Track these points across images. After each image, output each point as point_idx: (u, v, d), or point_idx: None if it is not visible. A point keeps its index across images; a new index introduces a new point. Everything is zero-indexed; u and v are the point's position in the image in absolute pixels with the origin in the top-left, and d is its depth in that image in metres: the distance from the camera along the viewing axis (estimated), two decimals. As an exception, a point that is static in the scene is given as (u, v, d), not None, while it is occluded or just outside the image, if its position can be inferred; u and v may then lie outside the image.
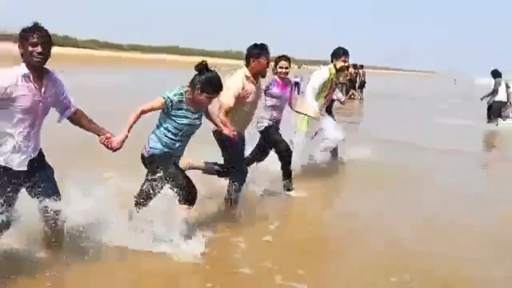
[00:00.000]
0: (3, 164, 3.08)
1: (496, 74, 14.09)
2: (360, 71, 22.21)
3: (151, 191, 3.70)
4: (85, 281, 3.19)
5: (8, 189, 3.09)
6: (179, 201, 3.66)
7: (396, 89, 34.04)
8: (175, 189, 3.64)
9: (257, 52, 4.63)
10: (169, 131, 3.71)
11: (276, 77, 5.43)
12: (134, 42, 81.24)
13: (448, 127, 13.12)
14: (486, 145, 11.96)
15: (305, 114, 5.78)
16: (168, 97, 3.65)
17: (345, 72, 22.34)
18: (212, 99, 3.83)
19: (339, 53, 6.22)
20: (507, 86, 13.88)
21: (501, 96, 13.85)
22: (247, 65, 4.69)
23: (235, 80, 4.61)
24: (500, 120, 13.94)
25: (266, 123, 5.34)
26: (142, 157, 3.77)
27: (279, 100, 5.37)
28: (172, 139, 3.72)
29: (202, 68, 3.73)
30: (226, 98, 4.42)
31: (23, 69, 3.05)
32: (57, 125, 3.43)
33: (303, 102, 6.04)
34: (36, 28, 3.04)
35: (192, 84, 3.72)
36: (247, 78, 4.64)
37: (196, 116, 3.78)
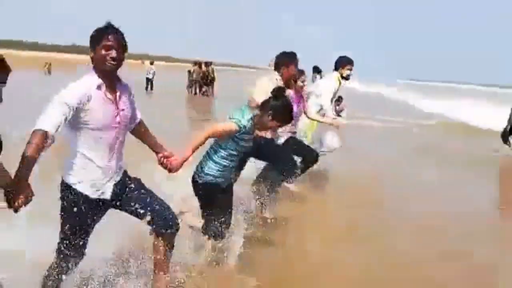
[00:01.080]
0: (81, 191, 2.66)
1: (314, 69, 15.85)
2: (210, 68, 22.59)
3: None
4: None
5: (88, 219, 2.72)
6: (204, 233, 3.56)
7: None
8: (204, 222, 3.54)
9: (287, 59, 4.73)
10: (230, 154, 3.47)
11: (291, 92, 5.24)
12: None
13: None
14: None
15: (328, 123, 5.97)
16: (243, 125, 3.39)
17: (198, 70, 22.26)
18: (279, 127, 3.81)
19: (344, 61, 6.45)
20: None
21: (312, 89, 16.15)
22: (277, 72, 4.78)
23: (269, 80, 4.61)
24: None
25: (285, 135, 5.36)
26: (194, 181, 3.50)
27: (296, 117, 5.32)
28: (230, 161, 3.50)
29: (280, 93, 3.60)
30: (258, 94, 4.28)
31: (94, 78, 2.63)
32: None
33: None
34: (111, 30, 2.63)
35: (264, 108, 3.52)
36: (279, 81, 4.64)
37: (252, 136, 3.62)
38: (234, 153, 3.47)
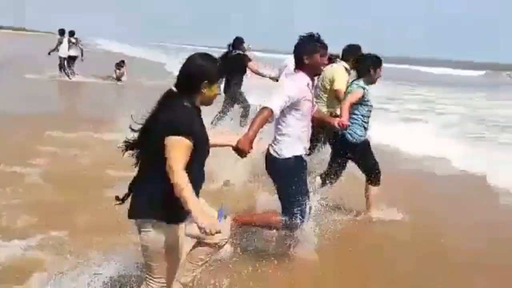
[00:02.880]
0: (297, 154, 3.43)
1: (61, 32, 16.14)
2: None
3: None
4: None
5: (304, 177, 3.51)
6: (371, 182, 4.60)
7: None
8: (368, 171, 4.59)
9: (356, 54, 5.14)
10: (364, 115, 4.49)
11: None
12: None
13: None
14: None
15: None
16: (366, 88, 4.43)
17: None
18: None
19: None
20: (71, 42, 15.93)
21: (62, 52, 15.94)
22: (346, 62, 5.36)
23: (342, 68, 5.35)
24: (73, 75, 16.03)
25: None
26: (350, 143, 4.48)
27: None
28: (365, 122, 4.52)
29: (362, 56, 4.69)
30: (341, 83, 5.18)
31: (305, 77, 3.42)
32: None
33: None
34: (321, 39, 3.43)
35: (366, 71, 4.49)
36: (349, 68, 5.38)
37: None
38: (367, 114, 4.53)
